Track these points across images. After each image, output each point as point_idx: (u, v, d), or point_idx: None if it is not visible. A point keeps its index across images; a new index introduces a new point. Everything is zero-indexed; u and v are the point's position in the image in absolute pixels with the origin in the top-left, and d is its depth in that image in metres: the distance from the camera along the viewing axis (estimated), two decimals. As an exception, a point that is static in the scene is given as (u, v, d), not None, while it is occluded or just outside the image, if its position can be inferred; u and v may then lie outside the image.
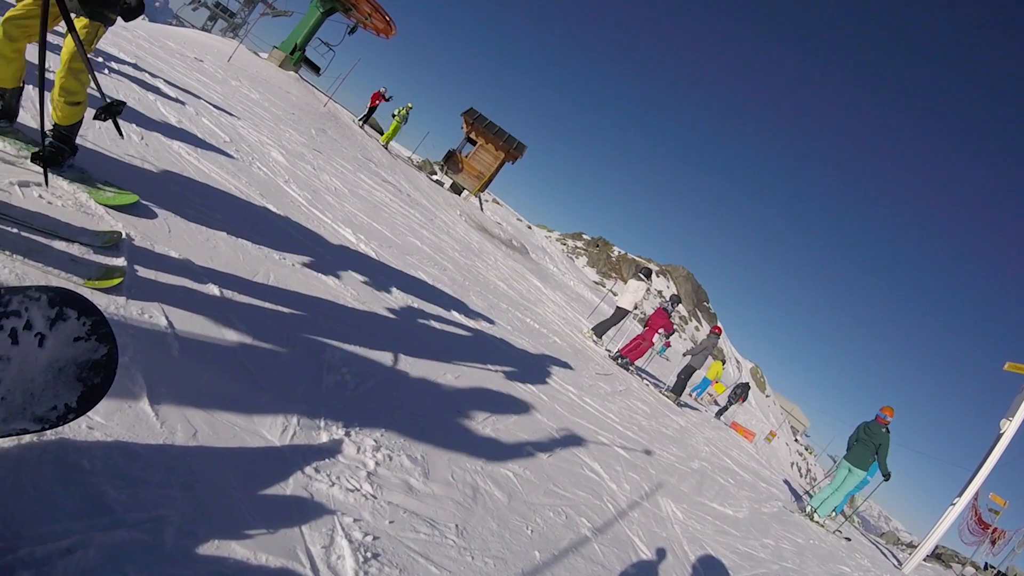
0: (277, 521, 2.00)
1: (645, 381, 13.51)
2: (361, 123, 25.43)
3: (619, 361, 12.47)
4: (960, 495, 12.01)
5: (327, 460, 2.52)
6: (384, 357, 3.98)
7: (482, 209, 30.81)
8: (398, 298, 5.48)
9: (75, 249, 2.84)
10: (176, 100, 7.67)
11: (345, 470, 2.54)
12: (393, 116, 26.16)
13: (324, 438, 2.66)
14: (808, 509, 10.10)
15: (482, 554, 2.68)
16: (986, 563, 18.30)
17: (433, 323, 5.52)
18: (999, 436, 11.74)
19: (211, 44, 20.34)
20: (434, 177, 32.49)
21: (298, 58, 27.14)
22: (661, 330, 13.13)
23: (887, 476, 9.85)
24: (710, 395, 27.92)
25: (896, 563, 11.99)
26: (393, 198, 12.68)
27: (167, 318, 2.69)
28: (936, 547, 16.68)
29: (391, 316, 4.89)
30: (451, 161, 31.08)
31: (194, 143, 6.09)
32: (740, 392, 24.00)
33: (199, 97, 9.04)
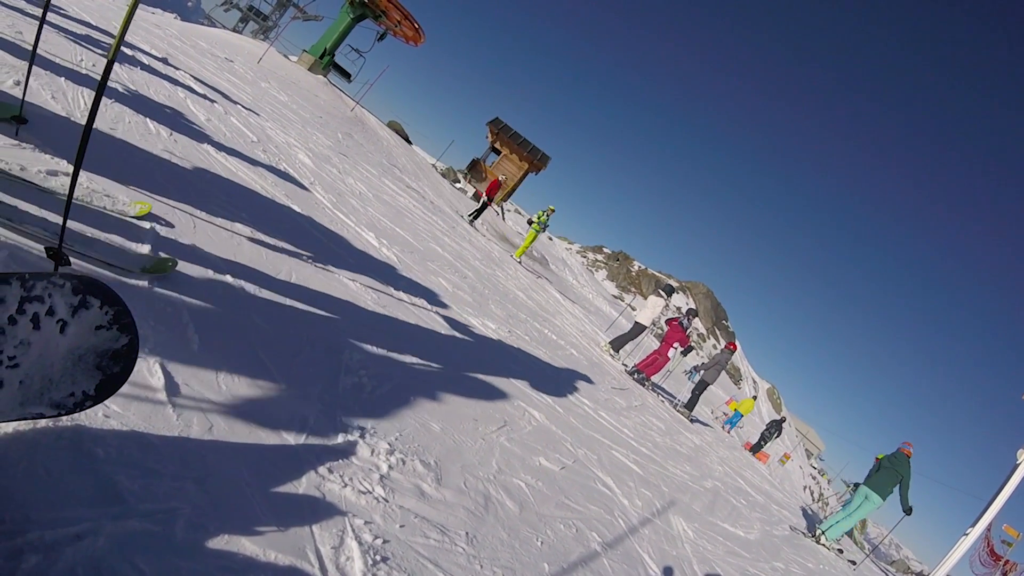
0: (288, 519, 1.99)
1: (660, 397, 13.42)
2: (471, 220, 20.11)
3: (635, 376, 12.41)
4: (973, 525, 11.76)
5: (341, 461, 2.51)
6: (402, 361, 3.97)
7: (504, 219, 30.86)
8: (418, 303, 5.49)
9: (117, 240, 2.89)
10: (206, 98, 7.76)
11: (358, 472, 2.53)
12: (531, 223, 21.32)
13: (339, 439, 2.65)
14: (817, 532, 10.00)
15: (491, 563, 2.65)
16: (996, 596, 17.87)
17: (452, 330, 5.51)
18: (1016, 466, 11.52)
19: (241, 45, 20.56)
20: (457, 185, 32.60)
21: (328, 62, 27.32)
22: (676, 344, 13.06)
23: (909, 511, 9.80)
24: (725, 414, 27.82)
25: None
26: (417, 205, 12.74)
27: (188, 312, 2.70)
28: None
29: (410, 321, 4.89)
30: (475, 170, 31.24)
31: (222, 142, 6.15)
32: (774, 430, 24.03)
33: (228, 97, 9.15)
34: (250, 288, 3.37)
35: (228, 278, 3.30)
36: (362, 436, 2.79)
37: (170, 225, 3.47)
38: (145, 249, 3.02)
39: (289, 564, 1.82)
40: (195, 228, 3.64)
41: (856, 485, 14.93)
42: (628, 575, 3.66)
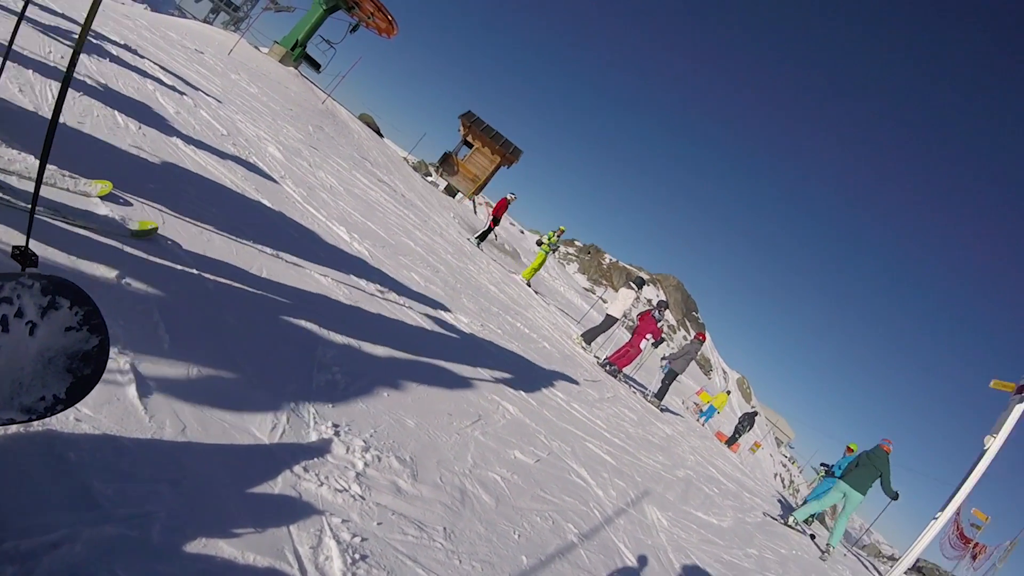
0: (265, 520, 1.98)
1: (632, 388, 13.52)
2: (478, 241, 19.09)
3: (607, 368, 12.49)
4: (942, 509, 12.06)
5: (316, 459, 2.50)
6: (375, 357, 3.96)
7: (476, 212, 30.78)
8: (390, 298, 5.46)
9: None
10: (175, 90, 7.64)
11: (334, 470, 2.52)
12: (539, 244, 20.14)
13: (313, 437, 2.63)
14: (791, 521, 10.17)
15: (469, 558, 2.66)
16: (968, 578, 18.35)
17: (424, 325, 5.49)
18: (983, 452, 11.84)
19: (212, 36, 20.27)
20: (429, 179, 32.45)
21: (299, 54, 27.03)
22: (648, 336, 13.15)
23: (895, 496, 10.09)
24: (696, 404, 28.29)
25: (878, 575, 12.05)
26: (388, 198, 12.67)
27: (159, 310, 2.66)
28: (917, 561, 16.75)
29: (383, 316, 4.87)
30: (447, 163, 31.12)
31: (191, 135, 6.07)
32: (747, 423, 24.70)
33: (198, 89, 9.02)
34: (221, 284, 3.33)
35: (198, 274, 3.25)
36: (337, 433, 2.77)
37: (138, 221, 3.42)
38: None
39: (268, 565, 1.81)
40: (164, 223, 3.58)
41: (826, 467, 15.24)
42: (605, 565, 3.69)
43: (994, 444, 11.64)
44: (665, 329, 13.24)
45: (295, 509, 2.14)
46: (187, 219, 3.89)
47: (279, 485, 2.20)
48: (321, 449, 2.59)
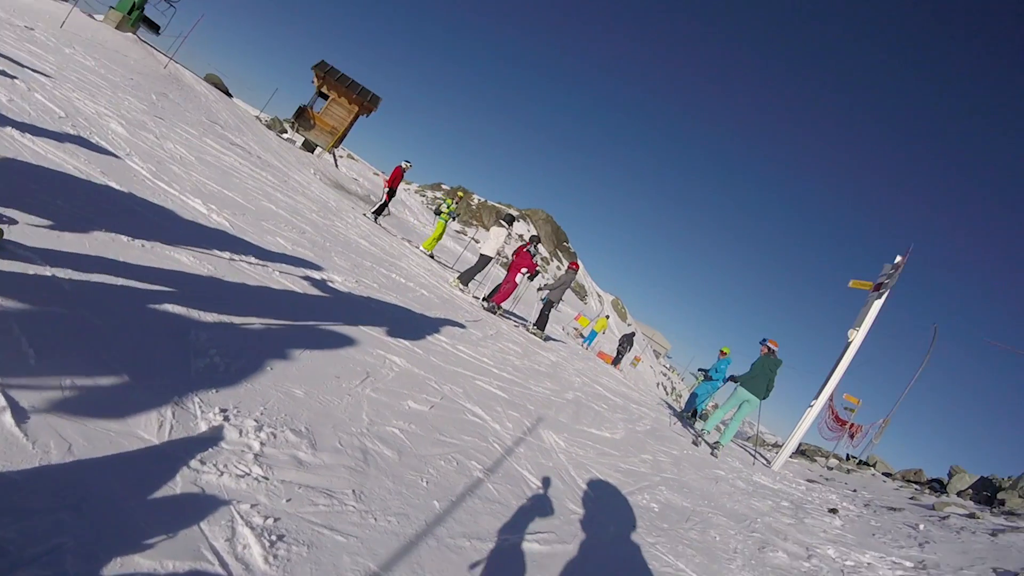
0: (175, 524, 1.95)
1: (513, 322, 13.80)
2: (375, 217, 18.49)
3: (487, 306, 12.69)
4: (816, 398, 13.33)
5: (211, 449, 2.46)
6: (252, 331, 3.88)
7: (337, 166, 29.85)
8: (258, 268, 5.31)
9: None
10: (5, 75, 6.97)
11: (231, 456, 2.50)
12: (439, 214, 18.97)
13: (203, 427, 2.58)
14: (710, 438, 10.90)
15: (384, 514, 2.74)
16: (847, 454, 20.41)
17: (297, 289, 5.39)
18: (848, 344, 13.13)
19: (42, 9, 18.27)
20: (285, 136, 31.11)
21: (136, 18, 24.94)
22: (524, 270, 13.42)
23: (771, 391, 11.07)
24: (575, 329, 29.50)
25: (765, 462, 13.10)
26: (243, 162, 12.14)
27: (17, 324, 2.49)
28: (800, 445, 18.42)
29: (253, 287, 4.73)
30: (302, 118, 29.76)
31: (27, 122, 5.58)
32: (627, 344, 26.32)
33: (31, 70, 8.26)
34: (78, 283, 3.14)
35: (53, 276, 3.06)
36: (226, 418, 2.73)
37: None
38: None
39: (189, 569, 1.80)
40: (8, 227, 3.33)
41: (704, 372, 16.29)
42: (514, 494, 3.88)
43: (857, 336, 12.94)
44: (539, 262, 13.54)
45: (201, 505, 2.12)
46: (33, 216, 3.63)
47: (179, 484, 2.17)
48: (213, 438, 2.55)
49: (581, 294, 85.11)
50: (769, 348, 11.18)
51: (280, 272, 5.55)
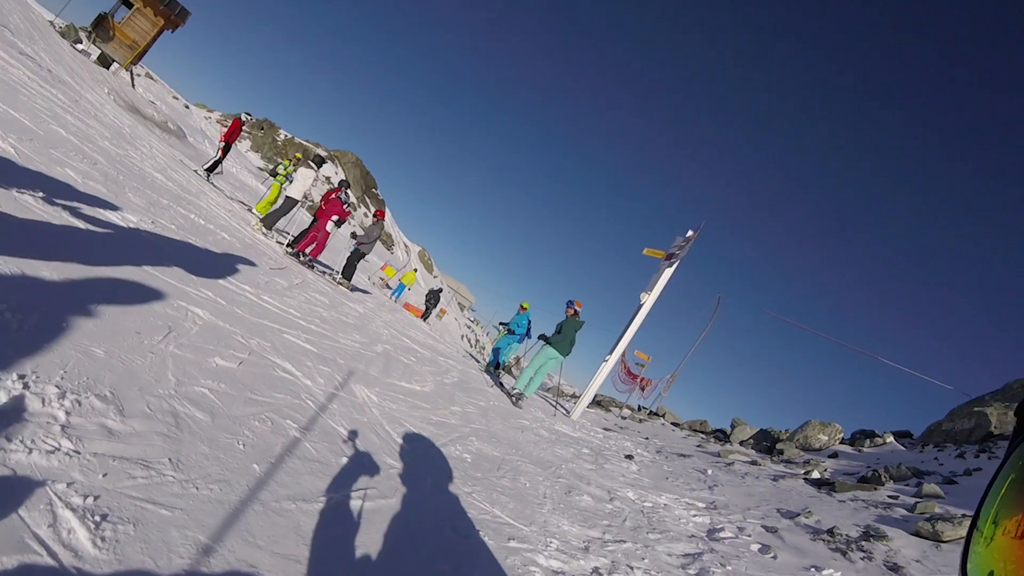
0: (-10, 512, 1.72)
1: (318, 270, 13.37)
2: (207, 174, 16.52)
3: (302, 259, 12.30)
4: (611, 353, 14.26)
5: (14, 424, 2.18)
6: (44, 282, 3.42)
7: (134, 86, 26.83)
8: (46, 204, 4.66)
9: None
10: None
11: (37, 430, 2.23)
12: (275, 176, 17.09)
13: (3, 397, 2.27)
14: (514, 391, 11.21)
15: (204, 481, 2.58)
16: (639, 405, 22.08)
17: (90, 230, 4.83)
18: (640, 306, 14.12)
19: None
20: (79, 47, 27.43)
21: None
22: (335, 217, 13.06)
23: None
24: (381, 279, 29.40)
25: (565, 412, 13.79)
26: (32, 76, 10.61)
27: None
28: (596, 396, 19.62)
29: (42, 228, 4.17)
30: (101, 27, 26.06)
31: None
32: (433, 299, 26.86)
33: None
34: None
35: None
36: (26, 386, 2.41)
37: None
38: None
39: (18, 563, 1.60)
40: None
41: (504, 325, 16.84)
42: (331, 451, 3.81)
43: (649, 299, 13.97)
44: (349, 209, 13.20)
45: (15, 489, 1.89)
46: None
47: None
48: (15, 409, 2.26)
49: (388, 243, 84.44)
50: (575, 310, 11.77)
51: (70, 210, 4.91)
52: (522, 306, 16.54)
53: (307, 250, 12.65)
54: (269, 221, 12.49)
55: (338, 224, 13.25)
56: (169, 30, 27.57)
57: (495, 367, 15.63)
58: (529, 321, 16.92)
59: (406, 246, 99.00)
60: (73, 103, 10.90)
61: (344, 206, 13.26)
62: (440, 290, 28.90)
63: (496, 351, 16.29)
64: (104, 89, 17.41)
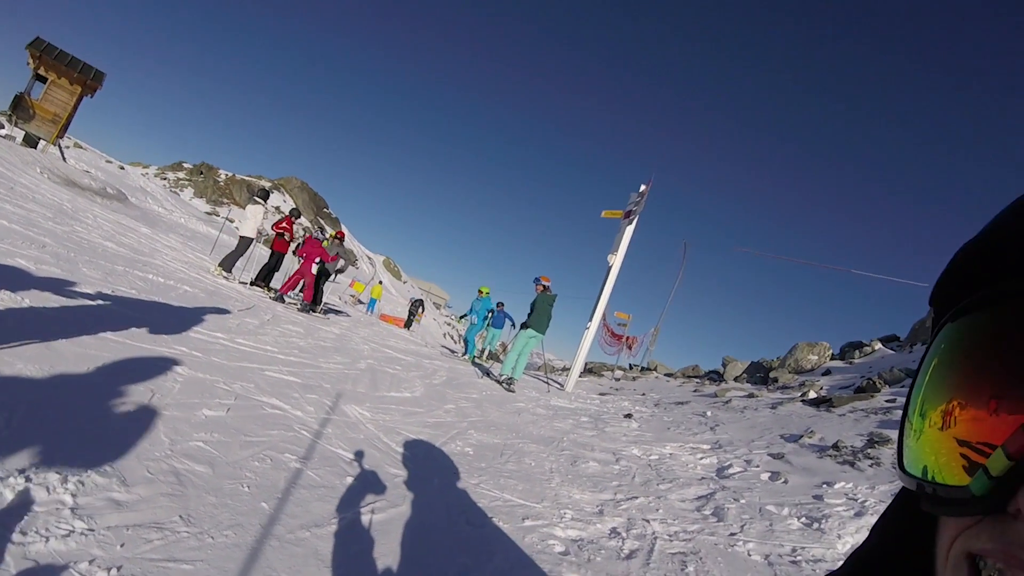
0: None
1: (287, 302, 13.30)
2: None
3: (300, 307, 12.69)
4: (591, 319, 14.42)
5: (26, 517, 2.24)
6: (20, 375, 3.44)
7: (65, 159, 26.22)
8: (5, 297, 4.64)
9: None
10: None
11: (49, 518, 2.29)
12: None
13: (9, 495, 2.32)
14: (503, 377, 11.28)
15: (218, 529, 2.65)
16: (629, 364, 22.29)
17: (53, 312, 4.80)
18: (609, 268, 14.30)
19: None
20: (2, 132, 26.75)
21: None
22: (318, 259, 13.24)
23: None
24: (352, 295, 29.45)
25: (559, 386, 13.93)
26: (-40, 172, 10.43)
27: None
28: (586, 364, 19.83)
29: (9, 323, 4.15)
30: (20, 108, 25.33)
31: None
32: (418, 306, 27.22)
33: None
34: None
35: None
36: (28, 479, 2.46)
37: None
38: None
39: None
40: None
41: (465, 316, 17.07)
42: (334, 474, 3.89)
43: (616, 260, 14.18)
44: (300, 232, 13.26)
45: None
46: None
47: (11, 563, 1.97)
48: (24, 503, 2.31)
49: (352, 259, 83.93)
50: (544, 286, 11.86)
51: (28, 301, 4.88)
52: (480, 291, 16.63)
53: (293, 292, 12.81)
54: (228, 264, 12.42)
55: (338, 271, 13.48)
56: (88, 96, 27.00)
57: (479, 354, 15.78)
58: (499, 308, 17.03)
59: (370, 258, 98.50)
60: (8, 190, 10.70)
61: (322, 244, 13.52)
62: (422, 300, 29.51)
63: (466, 343, 16.43)
64: (36, 169, 17.01)
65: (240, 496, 3.06)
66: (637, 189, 14.47)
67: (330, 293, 20.43)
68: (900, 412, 0.51)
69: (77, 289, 5.85)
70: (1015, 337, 0.40)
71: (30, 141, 25.37)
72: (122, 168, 51.25)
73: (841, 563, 0.63)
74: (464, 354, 16.10)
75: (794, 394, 11.57)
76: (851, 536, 4.32)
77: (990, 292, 0.43)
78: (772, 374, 15.22)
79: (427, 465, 4.84)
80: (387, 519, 3.43)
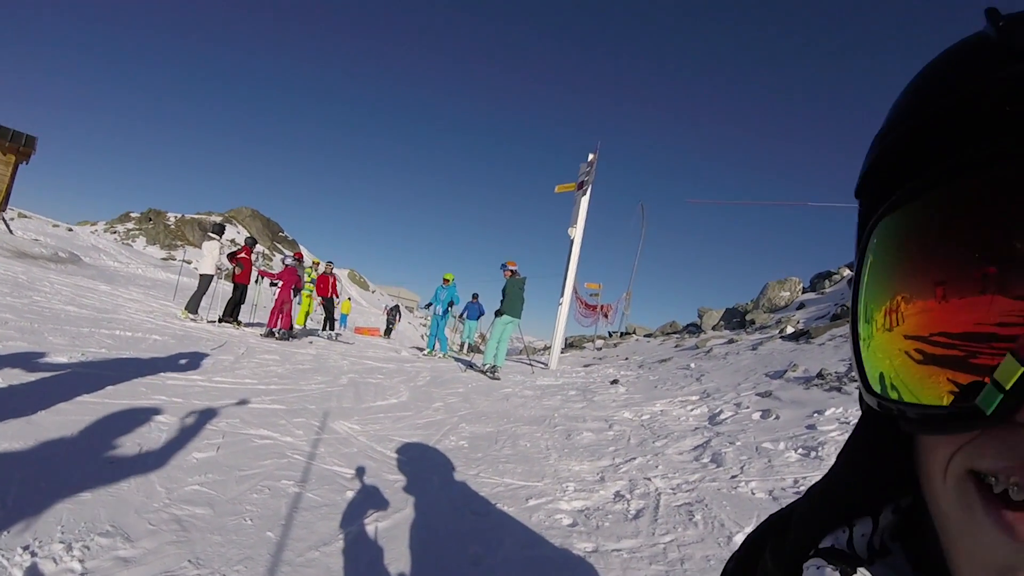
0: None
1: (256, 332, 13.21)
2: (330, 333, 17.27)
3: (277, 335, 12.78)
4: (562, 295, 14.51)
5: None
6: (8, 454, 3.40)
7: (11, 231, 25.65)
8: None
9: None
10: None
11: None
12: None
13: (17, 573, 2.32)
14: (486, 367, 11.34)
15: (228, 566, 2.67)
16: (608, 332, 22.50)
17: (27, 388, 4.72)
18: (571, 241, 14.41)
19: None
20: None
21: None
22: (295, 287, 13.36)
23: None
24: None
25: (543, 365, 14.03)
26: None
27: None
28: (567, 339, 19.96)
29: None
30: None
31: None
32: (395, 314, 27.48)
33: None
34: None
35: None
36: (33, 554, 2.46)
37: None
38: None
39: None
40: None
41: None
42: (333, 491, 3.93)
43: (577, 232, 14.31)
44: (258, 259, 13.25)
45: None
46: None
47: None
48: None
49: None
50: (511, 271, 11.93)
51: (2, 378, 4.80)
52: (445, 279, 16.60)
53: (277, 325, 12.80)
54: (193, 305, 12.31)
55: (296, 291, 13.47)
56: (24, 163, 26.41)
57: (460, 348, 15.79)
58: (474, 300, 17.02)
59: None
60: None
61: (296, 272, 13.63)
62: (397, 306, 29.73)
63: (433, 336, 16.27)
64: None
65: (245, 530, 3.08)
66: (586, 158, 14.57)
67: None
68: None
69: (47, 359, 5.79)
70: (992, 210, 0.35)
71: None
72: (70, 230, 50.20)
73: (801, 497, 0.57)
74: (427, 351, 15.91)
75: (772, 332, 11.81)
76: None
77: (956, 161, 0.37)
78: (748, 316, 15.50)
79: (424, 465, 4.88)
80: (393, 525, 3.47)
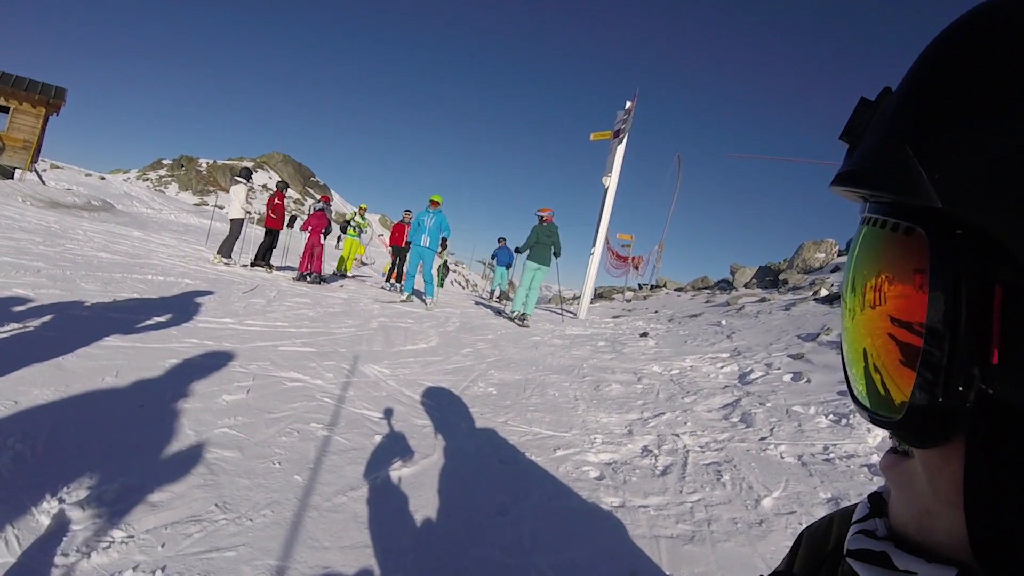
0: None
1: (288, 277, 13.26)
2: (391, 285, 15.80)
3: (310, 279, 12.70)
4: (594, 244, 14.35)
5: (66, 538, 2.29)
6: (37, 402, 3.40)
7: (44, 182, 26.04)
8: (13, 328, 4.62)
9: None
10: None
11: (87, 534, 2.34)
12: (345, 232, 17.75)
13: (46, 521, 2.36)
14: (515, 314, 11.31)
15: (255, 511, 2.68)
16: (639, 284, 22.32)
17: (59, 334, 4.76)
18: (606, 190, 14.17)
19: None
20: None
21: None
22: (325, 229, 13.30)
23: (558, 254, 11.66)
24: (356, 259, 29.56)
25: (572, 315, 13.97)
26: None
27: None
28: (596, 289, 19.87)
29: (18, 353, 4.10)
30: None
31: None
32: (444, 271, 27.66)
33: None
34: None
35: None
36: (61, 501, 2.51)
37: None
38: None
39: None
40: None
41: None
42: (363, 435, 3.94)
43: (612, 181, 14.04)
44: (291, 205, 13.23)
45: None
46: None
47: None
48: (62, 525, 2.37)
49: (343, 224, 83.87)
50: (540, 217, 11.76)
51: (35, 326, 4.87)
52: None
53: (308, 269, 12.78)
54: (226, 249, 12.36)
55: (325, 234, 13.40)
56: (53, 115, 26.63)
57: (491, 295, 15.66)
58: (501, 244, 16.67)
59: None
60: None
61: (326, 215, 13.61)
62: (446, 262, 29.40)
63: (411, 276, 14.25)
64: (18, 198, 16.81)
65: (272, 474, 3.09)
66: (623, 106, 14.24)
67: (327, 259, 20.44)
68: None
69: (79, 304, 5.84)
70: None
71: (5, 172, 25.06)
72: (103, 178, 50.65)
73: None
74: (404, 295, 13.14)
75: (806, 294, 11.58)
76: (881, 429, 4.35)
77: None
78: (781, 276, 15.23)
79: (452, 411, 4.87)
80: (420, 471, 3.46)
